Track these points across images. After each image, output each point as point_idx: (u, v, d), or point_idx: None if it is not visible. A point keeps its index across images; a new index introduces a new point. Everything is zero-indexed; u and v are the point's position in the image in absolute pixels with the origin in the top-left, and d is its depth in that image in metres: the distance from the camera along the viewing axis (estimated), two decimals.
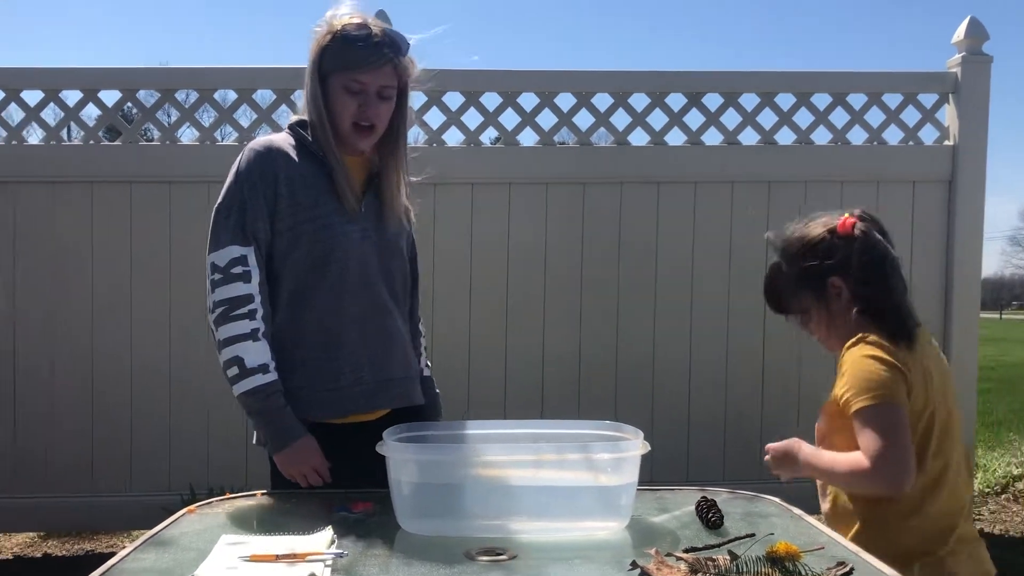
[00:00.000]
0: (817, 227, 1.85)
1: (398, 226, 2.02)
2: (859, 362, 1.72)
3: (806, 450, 1.81)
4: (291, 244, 1.89)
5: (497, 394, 3.69)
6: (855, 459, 1.67)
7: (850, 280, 1.81)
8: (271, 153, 1.90)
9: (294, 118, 2.01)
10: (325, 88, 1.90)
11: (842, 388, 1.73)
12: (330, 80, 1.89)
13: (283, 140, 1.94)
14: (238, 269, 1.85)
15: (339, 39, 1.87)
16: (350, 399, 1.93)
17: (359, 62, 1.86)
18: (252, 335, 1.84)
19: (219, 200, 1.91)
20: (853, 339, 1.77)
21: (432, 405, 2.15)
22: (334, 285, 1.91)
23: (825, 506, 1.87)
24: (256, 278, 1.86)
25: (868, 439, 1.65)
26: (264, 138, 1.96)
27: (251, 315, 1.84)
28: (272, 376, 1.85)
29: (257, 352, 1.84)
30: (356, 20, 1.88)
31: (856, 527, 1.75)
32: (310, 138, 1.94)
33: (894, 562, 1.47)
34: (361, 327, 1.94)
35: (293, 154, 1.92)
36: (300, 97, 1.99)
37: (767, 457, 1.88)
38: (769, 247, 1.92)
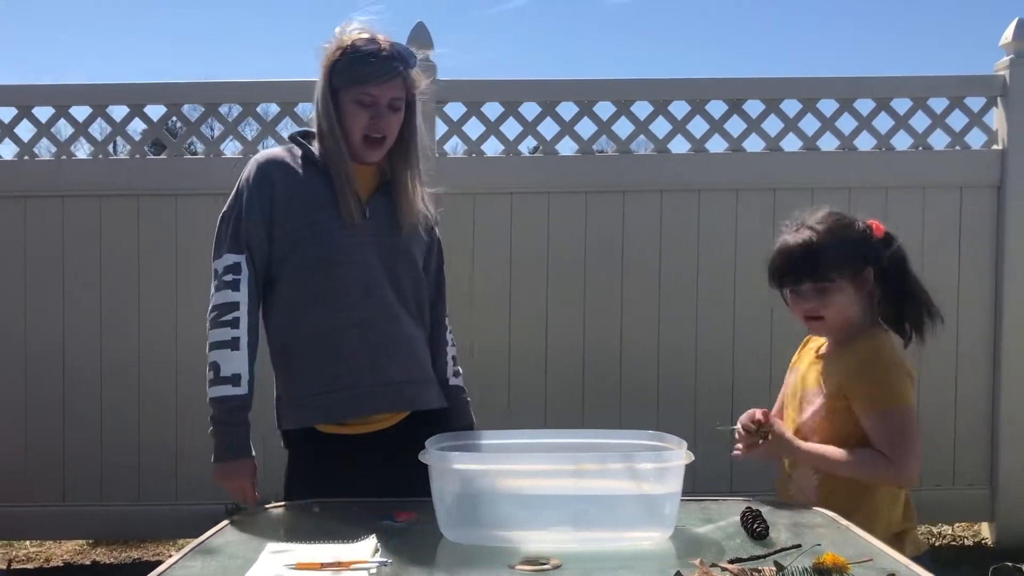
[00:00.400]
0: (855, 220, 1.95)
1: (411, 233, 2.04)
2: (886, 360, 1.87)
3: (801, 443, 1.90)
4: (289, 250, 1.95)
5: (537, 403, 3.67)
6: (871, 451, 1.83)
7: (879, 275, 1.91)
8: (270, 163, 1.98)
9: (297, 130, 2.08)
10: (336, 102, 1.95)
11: (866, 382, 1.85)
12: (341, 94, 1.95)
13: (285, 152, 2.02)
14: (229, 276, 1.92)
15: (349, 54, 1.93)
16: (349, 402, 1.96)
17: (370, 76, 1.92)
18: (232, 343, 1.90)
19: (223, 210, 2.00)
20: (871, 335, 1.90)
21: (459, 413, 2.15)
22: (332, 291, 1.95)
23: (804, 492, 1.92)
24: (245, 286, 1.93)
25: (891, 434, 1.82)
26: (267, 150, 2.05)
27: (234, 323, 1.91)
28: (241, 390, 1.90)
29: (233, 361, 1.90)
30: (365, 35, 1.94)
31: (852, 513, 1.80)
32: (314, 148, 1.99)
33: (891, 541, 1.64)
34: (361, 332, 1.96)
35: (294, 164, 1.98)
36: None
37: (768, 436, 1.90)
38: (819, 221, 1.94)
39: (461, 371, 2.20)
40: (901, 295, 1.92)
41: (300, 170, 1.97)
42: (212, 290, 1.94)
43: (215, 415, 1.92)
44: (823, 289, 1.90)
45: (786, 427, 1.95)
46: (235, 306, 1.91)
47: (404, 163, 2.02)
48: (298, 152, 2.00)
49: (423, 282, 2.09)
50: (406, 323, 2.03)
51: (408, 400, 2.02)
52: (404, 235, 2.02)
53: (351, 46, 1.93)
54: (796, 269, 1.92)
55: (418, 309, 2.08)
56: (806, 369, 2.01)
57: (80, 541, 3.95)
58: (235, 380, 1.89)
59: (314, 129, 2.02)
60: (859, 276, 1.90)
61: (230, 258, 1.93)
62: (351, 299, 1.95)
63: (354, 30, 1.95)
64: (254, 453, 1.96)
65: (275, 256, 1.96)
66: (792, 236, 1.93)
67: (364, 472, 1.92)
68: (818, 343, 2.04)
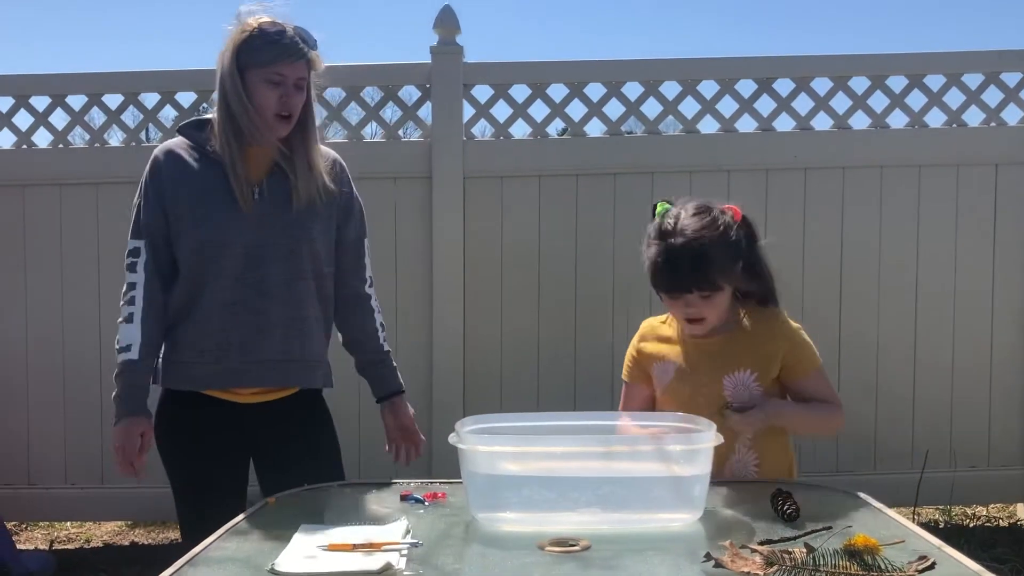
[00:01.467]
0: (719, 211, 1.98)
1: (306, 209, 2.11)
2: (798, 330, 2.04)
3: (782, 401, 2.00)
4: (181, 232, 2.07)
5: (567, 389, 3.67)
6: (828, 405, 2.01)
7: (745, 263, 1.98)
8: (161, 154, 2.11)
9: (185, 121, 2.19)
10: (244, 82, 2.04)
11: (798, 351, 2.01)
12: (248, 75, 2.04)
13: (178, 143, 2.14)
14: (129, 260, 2.09)
15: (258, 36, 2.03)
16: (217, 375, 2.08)
17: (279, 56, 2.03)
18: (128, 319, 2.08)
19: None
20: (771, 313, 2.04)
21: (388, 379, 2.25)
22: (209, 273, 2.06)
23: (740, 476, 1.96)
24: (141, 268, 2.08)
25: (828, 386, 2.04)
26: (165, 142, 2.18)
27: (131, 301, 2.07)
28: (132, 356, 2.07)
29: (127, 333, 2.07)
30: (268, 19, 2.05)
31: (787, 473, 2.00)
32: (206, 136, 2.09)
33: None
34: (233, 312, 2.07)
35: (184, 153, 2.11)
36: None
37: (736, 412, 1.91)
38: (691, 223, 1.94)
39: (386, 334, 2.28)
40: (759, 272, 2.02)
41: (190, 159, 2.10)
42: None
43: (115, 382, 2.08)
44: (709, 295, 1.94)
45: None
46: (132, 286, 2.08)
47: (303, 141, 2.11)
48: (188, 142, 2.12)
49: (323, 257, 2.15)
50: (290, 303, 2.10)
51: (280, 378, 2.12)
52: (298, 212, 2.09)
53: (259, 28, 2.03)
54: (686, 281, 1.92)
55: (318, 285, 2.15)
56: (692, 353, 2.02)
57: (119, 522, 4.03)
58: (127, 349, 2.06)
59: (207, 116, 2.13)
60: (736, 274, 1.96)
61: (132, 243, 2.10)
62: (226, 280, 2.06)
63: (258, 13, 2.06)
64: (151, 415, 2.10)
65: (172, 237, 2.09)
66: (676, 245, 1.91)
67: (244, 438, 2.11)
68: (666, 327, 2.10)
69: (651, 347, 2.09)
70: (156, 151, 2.14)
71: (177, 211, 2.06)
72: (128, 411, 2.06)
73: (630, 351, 2.14)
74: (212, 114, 2.12)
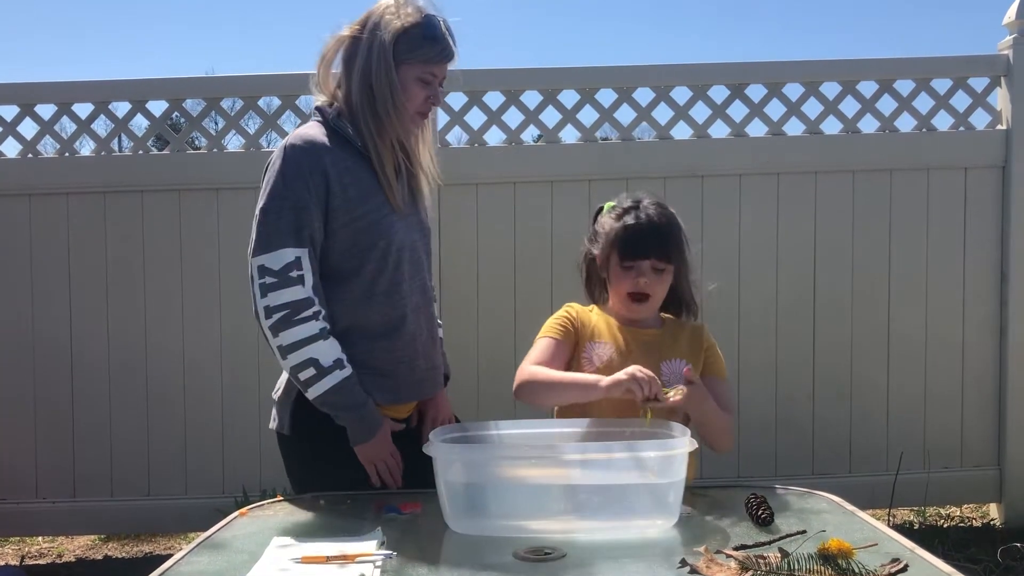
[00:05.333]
0: None
1: (427, 211, 2.09)
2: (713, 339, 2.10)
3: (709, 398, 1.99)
4: (347, 241, 1.90)
5: None
6: (729, 418, 2.01)
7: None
8: (316, 149, 1.88)
9: (320, 100, 1.98)
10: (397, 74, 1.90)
11: (717, 356, 2.07)
12: (401, 68, 1.89)
13: (320, 133, 1.92)
14: (294, 273, 1.83)
15: (419, 30, 1.88)
16: (406, 387, 1.99)
17: (438, 55, 1.91)
18: (321, 335, 1.84)
19: (264, 201, 1.87)
20: (696, 323, 2.10)
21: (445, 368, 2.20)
22: (393, 280, 1.94)
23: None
24: (311, 281, 1.85)
25: (732, 399, 2.07)
26: (302, 133, 1.93)
27: (316, 316, 1.85)
28: (349, 370, 1.87)
29: (329, 350, 1.85)
30: (430, 11, 1.91)
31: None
32: (348, 126, 1.93)
33: None
34: (416, 316, 1.99)
35: (338, 148, 1.91)
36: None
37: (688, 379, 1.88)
38: (653, 205, 2.05)
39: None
40: (688, 282, 2.08)
41: (344, 153, 1.91)
42: (262, 289, 1.84)
43: (338, 404, 1.87)
44: (661, 269, 1.99)
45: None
46: (310, 301, 1.84)
47: (424, 142, 2.04)
48: (328, 132, 1.93)
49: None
50: (433, 306, 2.08)
51: (438, 385, 2.10)
52: (425, 214, 2.07)
53: (423, 20, 1.89)
54: (648, 245, 1.97)
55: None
56: (627, 340, 2.02)
57: (92, 536, 3.98)
58: (339, 364, 1.85)
59: (337, 104, 1.95)
60: (685, 260, 2.05)
61: (290, 253, 1.83)
62: (408, 284, 1.97)
63: (420, 2, 1.92)
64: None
65: (334, 247, 1.90)
66: (643, 214, 2.00)
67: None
68: (594, 315, 2.09)
69: (587, 325, 2.07)
70: (298, 142, 1.88)
71: (345, 217, 1.88)
72: (377, 424, 1.90)
73: (563, 314, 2.08)
74: (319, 99, 1.96)
